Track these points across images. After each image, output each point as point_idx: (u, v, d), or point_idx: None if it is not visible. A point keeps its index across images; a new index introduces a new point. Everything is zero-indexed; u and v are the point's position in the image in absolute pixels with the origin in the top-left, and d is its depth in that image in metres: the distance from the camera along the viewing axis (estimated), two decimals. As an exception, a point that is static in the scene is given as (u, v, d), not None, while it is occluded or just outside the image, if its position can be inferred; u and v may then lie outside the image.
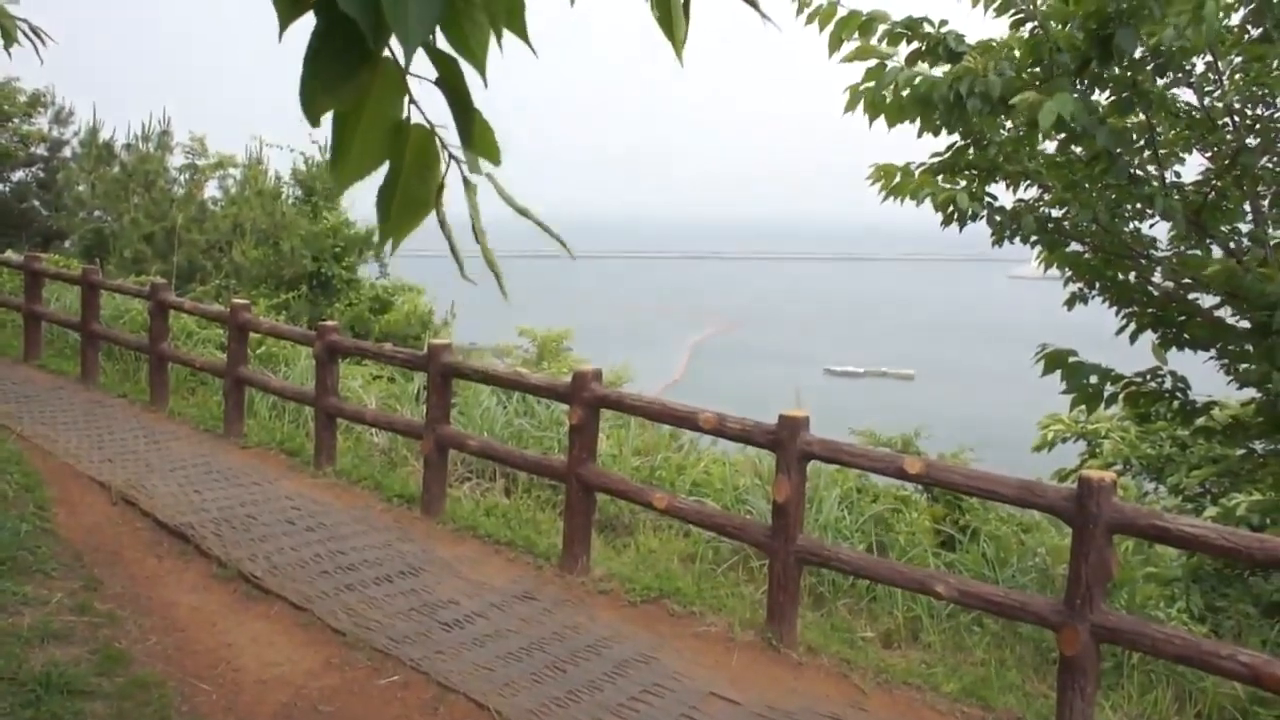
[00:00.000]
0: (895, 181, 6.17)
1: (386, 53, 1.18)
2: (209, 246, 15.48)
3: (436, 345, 6.62)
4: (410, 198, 1.28)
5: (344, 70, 1.14)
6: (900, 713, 4.27)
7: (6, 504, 5.98)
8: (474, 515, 6.56)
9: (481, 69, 1.22)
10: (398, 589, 5.29)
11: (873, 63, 5.44)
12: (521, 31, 1.24)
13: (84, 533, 5.85)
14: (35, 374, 10.06)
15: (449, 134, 1.26)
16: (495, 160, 1.28)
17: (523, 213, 1.37)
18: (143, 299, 9.64)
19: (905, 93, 5.39)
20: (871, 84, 5.49)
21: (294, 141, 15.87)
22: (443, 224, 1.35)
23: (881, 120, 5.62)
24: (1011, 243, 6.32)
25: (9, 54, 4.25)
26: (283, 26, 1.16)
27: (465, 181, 1.30)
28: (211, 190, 16.88)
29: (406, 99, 1.23)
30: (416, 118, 1.26)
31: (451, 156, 1.28)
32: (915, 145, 6.18)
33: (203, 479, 6.95)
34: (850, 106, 5.55)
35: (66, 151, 19.05)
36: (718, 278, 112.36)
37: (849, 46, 5.50)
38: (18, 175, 19.10)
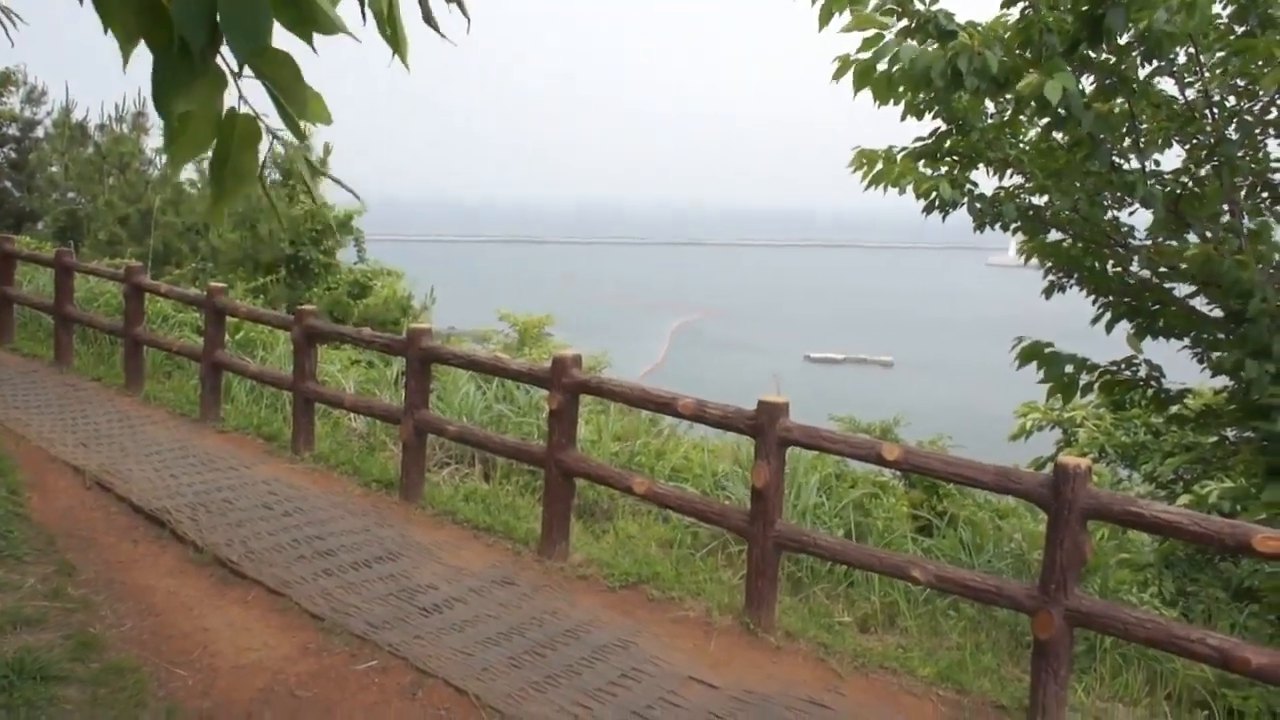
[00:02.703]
0: (877, 168, 6.15)
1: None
2: (185, 229, 15.31)
3: (416, 330, 6.58)
4: (239, 170, 1.61)
5: (187, 77, 1.48)
6: (877, 696, 4.31)
7: (-22, 488, 5.92)
8: (453, 500, 6.55)
9: (308, 39, 1.52)
10: (376, 574, 5.28)
11: (870, 32, 5.36)
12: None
13: (57, 517, 5.79)
14: (7, 357, 9.93)
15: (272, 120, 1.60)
16: (327, 121, 1.64)
17: (318, 172, 1.85)
18: (118, 282, 9.54)
19: (896, 67, 5.31)
20: (866, 55, 5.38)
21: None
22: (266, 192, 1.94)
23: (867, 96, 5.53)
24: (992, 229, 6.35)
25: None
26: (125, 56, 1.48)
27: (296, 146, 1.70)
28: (189, 173, 16.68)
29: (234, 94, 1.57)
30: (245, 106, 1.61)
31: (274, 136, 1.63)
32: (891, 137, 6.19)
33: (179, 463, 6.89)
34: (839, 75, 5.44)
35: (39, 132, 18.75)
36: (698, 264, 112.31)
37: (839, 20, 5.42)
38: (-11, 155, 18.80)
